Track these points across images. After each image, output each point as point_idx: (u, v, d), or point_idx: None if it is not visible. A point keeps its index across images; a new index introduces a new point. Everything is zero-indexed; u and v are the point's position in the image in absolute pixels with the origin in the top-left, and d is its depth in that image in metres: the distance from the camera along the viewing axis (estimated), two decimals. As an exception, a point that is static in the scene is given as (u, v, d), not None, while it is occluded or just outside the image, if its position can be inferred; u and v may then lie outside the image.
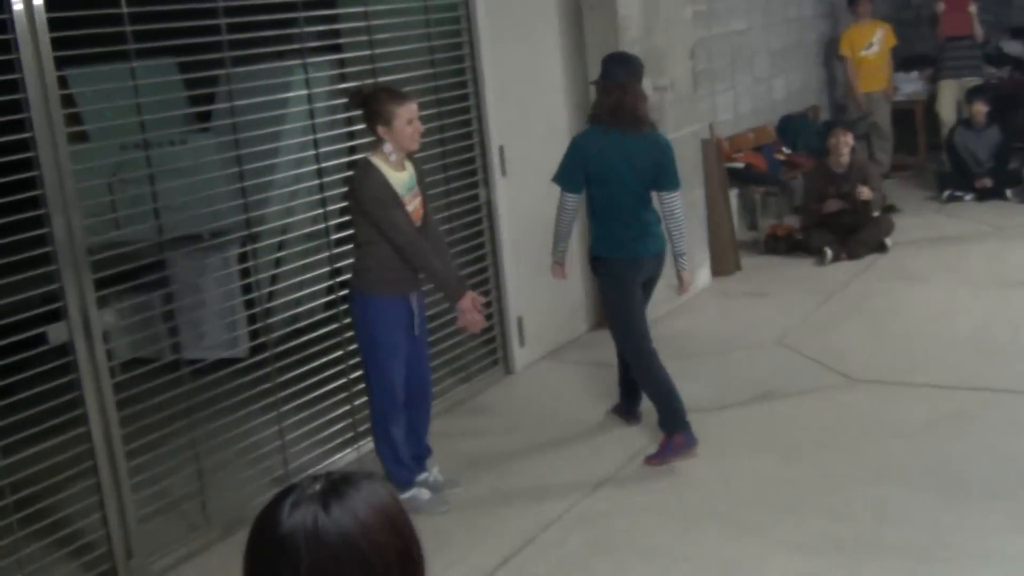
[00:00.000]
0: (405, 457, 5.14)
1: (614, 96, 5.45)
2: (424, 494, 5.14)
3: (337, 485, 1.58)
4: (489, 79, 6.47)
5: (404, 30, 6.07)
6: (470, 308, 4.95)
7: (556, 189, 5.59)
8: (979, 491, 4.81)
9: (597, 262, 5.60)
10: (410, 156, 4.98)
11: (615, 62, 5.57)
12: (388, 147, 4.82)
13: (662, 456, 5.41)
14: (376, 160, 4.83)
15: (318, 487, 1.58)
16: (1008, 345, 6.58)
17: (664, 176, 5.48)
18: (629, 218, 5.49)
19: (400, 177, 4.87)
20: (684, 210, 5.61)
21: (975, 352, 6.53)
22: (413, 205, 4.92)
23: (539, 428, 6.01)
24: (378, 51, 5.84)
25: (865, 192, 8.87)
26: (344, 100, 5.71)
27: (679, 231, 5.54)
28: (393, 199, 4.79)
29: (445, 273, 4.94)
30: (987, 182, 10.18)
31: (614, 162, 5.44)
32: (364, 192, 4.79)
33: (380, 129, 4.81)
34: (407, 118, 4.80)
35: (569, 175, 5.52)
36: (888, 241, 8.89)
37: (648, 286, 5.67)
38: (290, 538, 1.53)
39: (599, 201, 5.51)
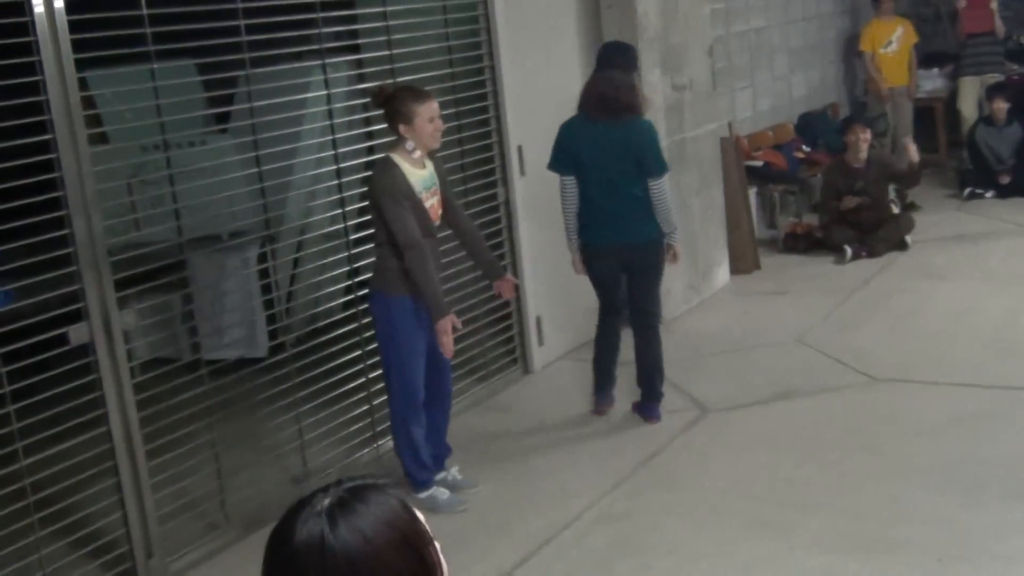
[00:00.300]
0: (425, 458, 5.15)
1: (596, 85, 5.56)
2: (442, 494, 5.15)
3: (345, 500, 1.55)
4: (507, 79, 6.47)
5: (423, 30, 6.08)
6: (446, 331, 4.86)
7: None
8: (1000, 491, 4.79)
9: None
10: (431, 154, 5.01)
11: (604, 50, 5.80)
12: (410, 144, 4.85)
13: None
14: (396, 158, 4.85)
15: (326, 501, 1.55)
16: (1029, 343, 6.55)
17: (645, 162, 5.57)
18: (599, 206, 5.66)
19: (420, 175, 4.89)
20: (670, 195, 5.70)
21: (996, 350, 6.49)
22: (431, 203, 4.94)
23: (557, 427, 6.01)
24: (397, 51, 5.85)
25: (912, 151, 8.76)
26: (363, 100, 5.75)
27: (664, 215, 5.64)
28: (406, 197, 4.80)
29: (435, 289, 4.87)
30: (1006, 178, 10.13)
31: (587, 150, 5.62)
32: (379, 187, 4.82)
33: (402, 128, 4.84)
34: (428, 117, 4.83)
35: (558, 158, 5.71)
36: (908, 239, 8.85)
37: (632, 273, 5.78)
38: (297, 556, 1.52)
39: (580, 187, 5.70)
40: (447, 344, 4.87)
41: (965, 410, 5.69)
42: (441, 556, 1.62)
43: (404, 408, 5.05)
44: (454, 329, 4.92)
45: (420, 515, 1.62)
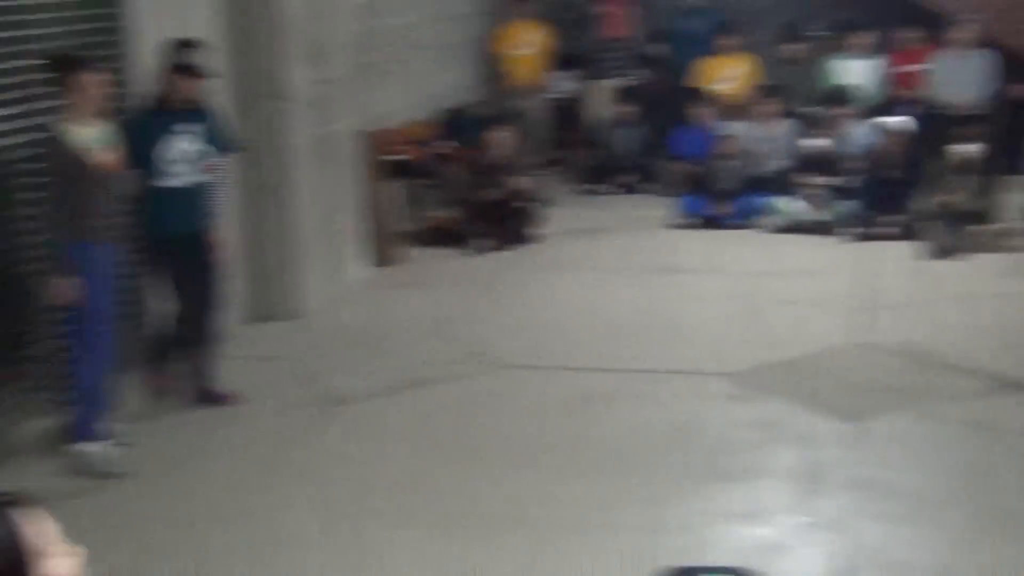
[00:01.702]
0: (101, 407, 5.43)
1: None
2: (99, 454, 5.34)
3: None
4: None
5: None
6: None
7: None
8: (612, 466, 5.20)
9: None
10: (103, 116, 5.33)
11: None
12: (77, 108, 5.18)
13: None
14: (65, 124, 5.16)
15: None
16: (645, 328, 7.12)
17: None
18: None
19: (90, 132, 5.23)
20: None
21: (614, 336, 7.00)
22: (108, 157, 5.28)
23: (193, 423, 5.94)
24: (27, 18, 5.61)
25: (522, 181, 9.27)
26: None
27: None
28: (77, 156, 5.12)
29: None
30: (630, 178, 10.89)
31: None
32: (46, 157, 5.22)
33: (71, 94, 5.17)
34: (95, 83, 5.21)
35: None
36: (538, 232, 9.31)
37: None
38: None
39: None
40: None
41: (584, 391, 6.11)
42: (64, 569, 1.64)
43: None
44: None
45: (39, 541, 1.61)
